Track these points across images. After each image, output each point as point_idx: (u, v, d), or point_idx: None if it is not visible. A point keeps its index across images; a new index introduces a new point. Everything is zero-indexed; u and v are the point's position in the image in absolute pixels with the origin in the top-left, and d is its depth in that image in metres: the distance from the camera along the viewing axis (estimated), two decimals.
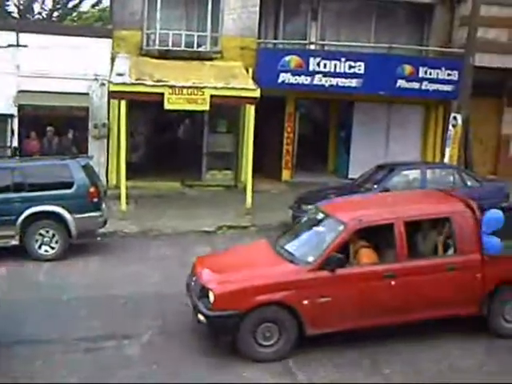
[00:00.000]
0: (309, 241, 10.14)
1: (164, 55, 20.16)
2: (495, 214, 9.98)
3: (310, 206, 15.66)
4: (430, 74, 21.44)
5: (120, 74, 18.17)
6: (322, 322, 9.25)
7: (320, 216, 10.48)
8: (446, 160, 19.99)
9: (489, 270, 9.71)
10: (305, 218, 11.20)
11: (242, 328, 8.99)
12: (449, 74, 21.47)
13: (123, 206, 17.37)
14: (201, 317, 9.23)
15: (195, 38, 20.61)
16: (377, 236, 9.86)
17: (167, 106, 17.67)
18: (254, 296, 9.01)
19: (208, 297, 9.14)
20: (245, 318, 8.97)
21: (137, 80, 17.85)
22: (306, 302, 9.07)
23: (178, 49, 20.31)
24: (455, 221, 9.83)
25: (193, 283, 9.87)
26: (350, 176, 21.58)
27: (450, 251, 9.95)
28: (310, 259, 9.38)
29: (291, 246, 10.05)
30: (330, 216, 10.13)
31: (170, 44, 20.32)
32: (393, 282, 9.36)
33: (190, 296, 9.83)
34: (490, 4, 21.29)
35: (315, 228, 10.36)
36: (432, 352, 9.46)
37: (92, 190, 14.17)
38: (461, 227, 9.80)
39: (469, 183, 16.82)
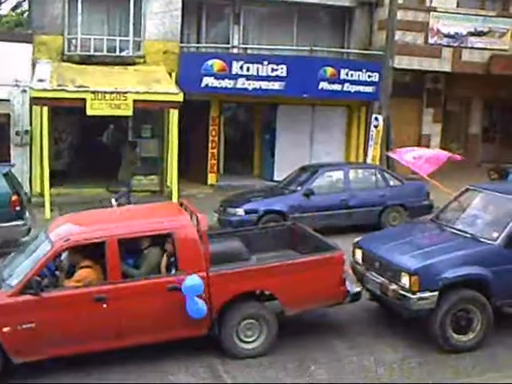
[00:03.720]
0: (22, 262, 9.17)
1: (86, 60, 19.89)
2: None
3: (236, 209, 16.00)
4: (352, 75, 21.70)
5: (41, 80, 17.96)
6: (28, 350, 8.59)
7: (43, 234, 9.58)
8: (369, 160, 20.44)
9: (216, 289, 9.07)
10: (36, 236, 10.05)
11: None
12: (369, 76, 21.79)
13: (47, 214, 17.15)
14: None
15: (117, 42, 20.42)
16: (101, 255, 9.17)
17: (90, 112, 17.57)
18: None
19: None
20: None
21: (58, 86, 17.70)
22: (6, 329, 8.41)
23: (100, 54, 20.10)
24: (178, 237, 9.11)
25: None
26: (275, 178, 21.73)
27: (174, 270, 9.21)
28: (14, 283, 8.66)
29: (8, 269, 9.23)
30: (47, 234, 9.31)
31: (92, 49, 20.09)
32: (105, 305, 8.72)
33: None
34: (405, 9, 21.97)
35: (37, 247, 9.30)
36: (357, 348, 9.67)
37: (14, 198, 13.88)
38: (183, 244, 9.08)
39: (391, 183, 17.24)
